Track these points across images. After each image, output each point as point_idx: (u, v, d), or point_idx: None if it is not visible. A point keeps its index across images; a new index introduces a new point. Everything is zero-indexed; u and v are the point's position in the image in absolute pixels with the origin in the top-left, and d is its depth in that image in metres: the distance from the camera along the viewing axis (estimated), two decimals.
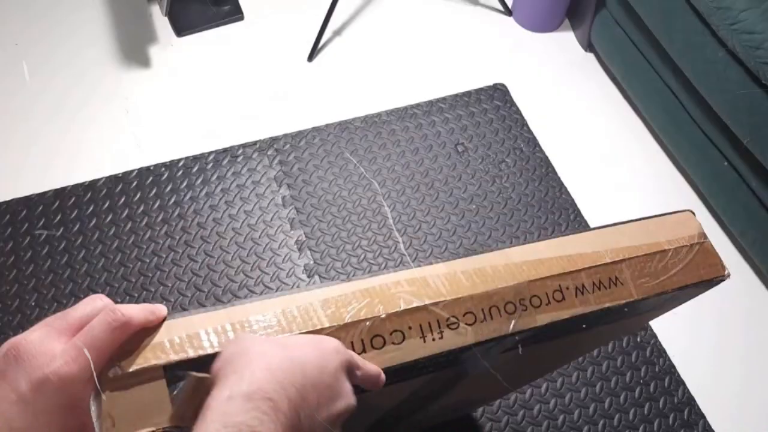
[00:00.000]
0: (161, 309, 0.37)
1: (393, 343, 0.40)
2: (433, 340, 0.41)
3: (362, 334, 0.40)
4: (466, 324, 0.42)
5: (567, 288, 0.46)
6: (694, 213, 0.54)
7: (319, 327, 0.39)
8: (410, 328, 0.41)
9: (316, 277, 0.85)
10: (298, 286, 0.84)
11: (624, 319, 0.50)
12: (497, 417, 0.77)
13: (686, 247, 0.51)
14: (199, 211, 0.90)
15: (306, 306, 0.39)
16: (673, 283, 0.49)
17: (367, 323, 0.40)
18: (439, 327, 0.41)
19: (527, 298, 0.44)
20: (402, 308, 0.41)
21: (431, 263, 0.44)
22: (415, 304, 0.41)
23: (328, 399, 0.35)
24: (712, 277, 0.52)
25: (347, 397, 0.37)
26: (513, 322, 0.43)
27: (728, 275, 0.52)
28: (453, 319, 0.42)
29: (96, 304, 0.37)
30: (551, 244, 0.48)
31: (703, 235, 0.52)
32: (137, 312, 0.36)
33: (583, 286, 0.46)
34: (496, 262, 0.45)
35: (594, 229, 0.51)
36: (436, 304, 0.42)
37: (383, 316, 0.40)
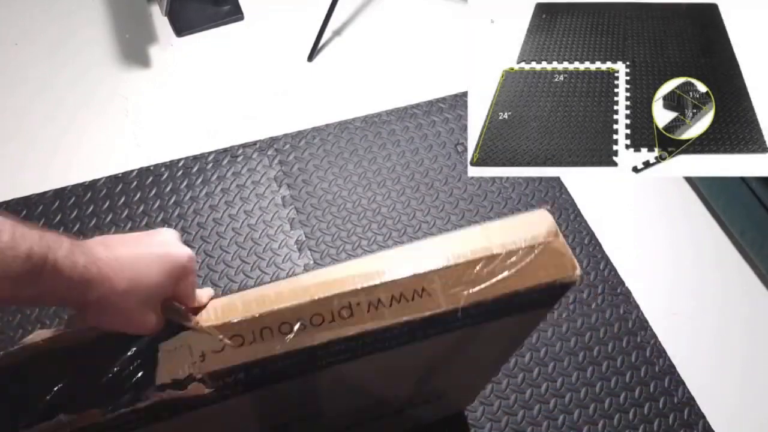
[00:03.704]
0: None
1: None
2: (194, 363, 0.41)
3: None
4: (233, 346, 0.42)
5: (358, 304, 0.43)
6: (551, 211, 0.48)
7: None
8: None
9: None
10: None
11: (444, 332, 0.46)
12: (497, 417, 0.77)
13: (523, 249, 0.46)
14: (199, 211, 0.90)
15: None
16: (497, 290, 0.45)
17: None
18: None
19: (307, 317, 0.43)
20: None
21: (218, 296, 0.44)
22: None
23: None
24: (553, 279, 0.46)
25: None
26: (285, 341, 0.42)
27: (579, 276, 0.46)
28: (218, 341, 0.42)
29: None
30: (350, 266, 0.46)
31: (554, 234, 0.47)
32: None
33: (379, 300, 0.44)
34: (282, 288, 0.44)
35: (414, 242, 0.48)
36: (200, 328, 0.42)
37: None
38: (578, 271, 0.46)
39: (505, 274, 0.45)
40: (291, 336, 0.42)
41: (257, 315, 0.43)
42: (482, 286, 0.45)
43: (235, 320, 0.43)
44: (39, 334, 0.41)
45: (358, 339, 0.44)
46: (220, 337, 0.42)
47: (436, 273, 0.45)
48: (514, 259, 0.46)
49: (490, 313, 0.46)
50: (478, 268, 0.45)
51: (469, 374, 0.68)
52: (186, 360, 0.41)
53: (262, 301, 0.43)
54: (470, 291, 0.45)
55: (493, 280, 0.45)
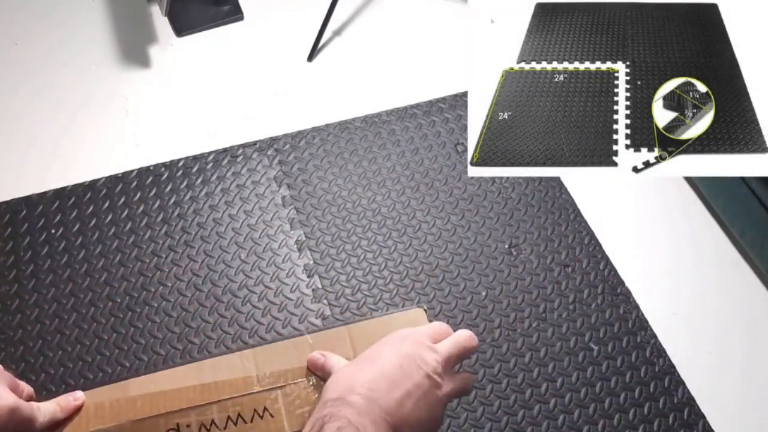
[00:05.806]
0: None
1: None
2: None
3: None
4: None
5: (188, 425, 0.38)
6: (426, 310, 0.45)
7: None
8: None
9: (316, 277, 0.85)
10: (298, 287, 0.84)
11: None
12: (497, 417, 0.77)
13: None
14: (199, 211, 0.90)
15: None
16: None
17: None
18: None
19: None
20: None
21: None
22: None
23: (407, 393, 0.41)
24: None
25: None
26: None
27: None
28: None
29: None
30: (186, 373, 0.40)
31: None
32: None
33: (212, 422, 0.39)
34: (104, 398, 0.40)
35: (267, 343, 0.43)
36: None
37: None
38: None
39: None
40: None
41: None
42: None
43: None
44: None
45: None
46: None
47: (282, 390, 0.40)
48: None
49: None
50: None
51: None
52: None
53: (86, 414, 0.39)
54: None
55: None
